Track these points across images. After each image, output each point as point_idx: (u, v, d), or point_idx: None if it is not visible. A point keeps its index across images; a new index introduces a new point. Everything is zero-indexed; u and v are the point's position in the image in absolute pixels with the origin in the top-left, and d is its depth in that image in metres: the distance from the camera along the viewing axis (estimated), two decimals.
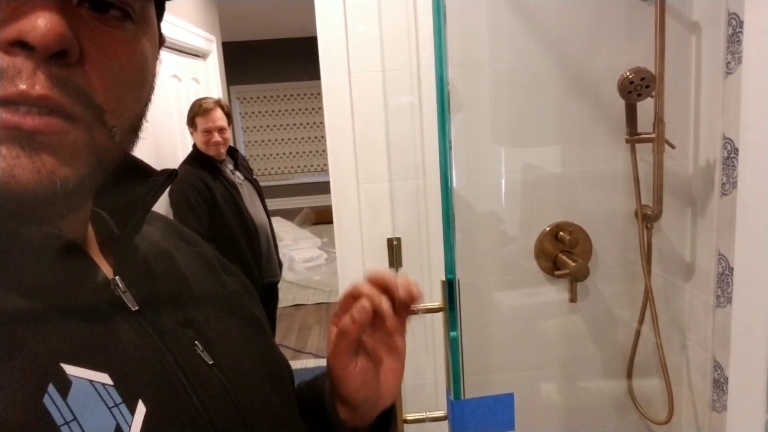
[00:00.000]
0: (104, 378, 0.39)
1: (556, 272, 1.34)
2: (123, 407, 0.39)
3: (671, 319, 1.40)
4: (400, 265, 1.42)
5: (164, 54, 2.55)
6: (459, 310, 0.65)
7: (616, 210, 1.39)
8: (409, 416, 0.85)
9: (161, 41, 0.49)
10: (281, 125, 7.55)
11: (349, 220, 1.37)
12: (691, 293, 1.36)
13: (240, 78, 7.17)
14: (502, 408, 0.61)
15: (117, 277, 0.44)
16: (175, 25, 2.60)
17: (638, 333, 1.39)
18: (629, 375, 1.42)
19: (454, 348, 0.63)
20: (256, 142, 7.61)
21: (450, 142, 0.61)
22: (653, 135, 1.28)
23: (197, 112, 2.32)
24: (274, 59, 7.08)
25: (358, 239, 1.35)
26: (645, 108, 1.28)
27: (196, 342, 0.48)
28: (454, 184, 1.37)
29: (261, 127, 7.61)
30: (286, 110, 7.47)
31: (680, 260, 1.39)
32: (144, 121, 0.44)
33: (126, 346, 0.42)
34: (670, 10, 1.30)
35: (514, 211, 1.41)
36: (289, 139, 7.59)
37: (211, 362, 0.47)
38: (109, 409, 0.38)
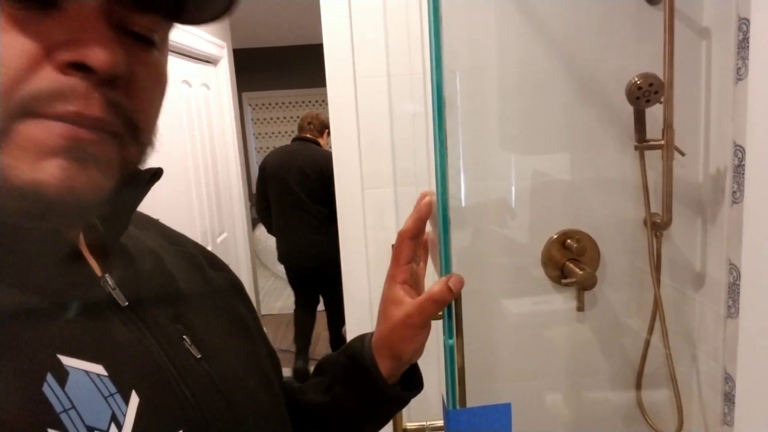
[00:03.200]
0: (99, 369, 0.41)
1: (563, 280, 1.32)
2: (118, 397, 0.41)
3: (681, 329, 1.37)
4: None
5: (175, 59, 2.57)
6: (456, 317, 0.64)
7: (625, 218, 1.37)
8: (410, 425, 0.83)
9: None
10: (293, 132, 7.59)
11: (353, 226, 1.36)
12: (702, 303, 1.33)
13: (252, 84, 7.22)
14: (500, 418, 0.60)
15: (106, 275, 0.46)
16: (186, 31, 2.61)
17: (647, 343, 1.36)
18: (638, 386, 1.39)
19: (450, 356, 0.62)
20: (268, 148, 7.65)
21: (446, 148, 0.60)
22: (662, 142, 1.26)
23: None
24: (286, 66, 7.12)
25: (363, 245, 1.34)
26: (654, 114, 1.26)
27: (184, 336, 0.50)
28: (463, 191, 1.36)
29: (273, 133, 7.65)
30: (298, 117, 7.52)
31: (690, 269, 1.36)
32: (156, 136, 0.47)
33: (118, 339, 0.44)
34: (679, 15, 1.28)
35: (522, 217, 1.39)
36: None
37: (199, 356, 0.49)
38: (105, 398, 0.40)
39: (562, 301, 1.39)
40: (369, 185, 1.37)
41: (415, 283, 0.66)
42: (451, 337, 0.59)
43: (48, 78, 0.37)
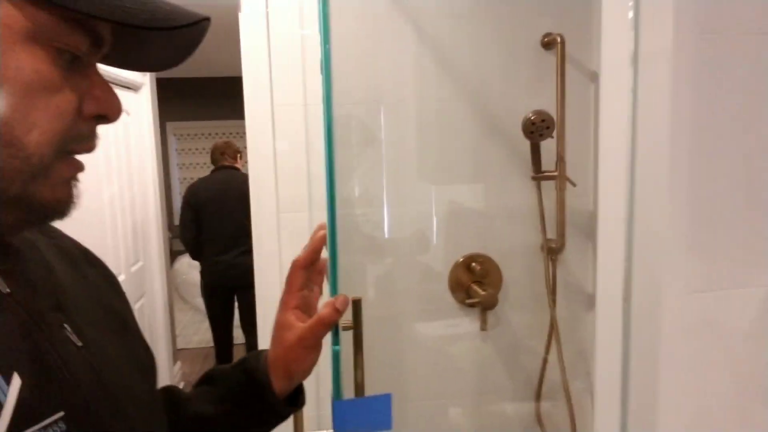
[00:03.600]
0: None
1: (467, 300, 1.40)
2: None
3: (575, 347, 1.47)
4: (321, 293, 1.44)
5: None
6: (356, 336, 0.69)
7: (526, 243, 1.47)
8: None
9: None
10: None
11: (268, 248, 1.38)
12: (593, 323, 1.44)
13: (177, 114, 7.11)
14: (381, 408, 0.64)
15: None
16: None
17: (545, 361, 1.45)
18: (537, 399, 1.48)
19: (335, 359, 0.67)
20: (192, 178, 7.49)
21: (334, 175, 0.66)
22: (555, 173, 1.37)
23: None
24: (211, 97, 7.07)
25: (277, 266, 1.36)
26: (551, 148, 1.38)
27: (65, 324, 0.51)
28: (386, 221, 1.42)
29: (197, 164, 7.52)
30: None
31: (583, 291, 1.47)
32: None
33: (0, 324, 0.45)
34: (570, 60, 1.42)
35: (437, 244, 1.46)
36: None
37: (80, 344, 0.51)
38: None
39: (468, 322, 1.46)
40: (284, 209, 1.40)
41: (306, 308, 0.72)
42: (336, 344, 0.64)
43: (82, 126, 0.48)
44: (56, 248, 0.60)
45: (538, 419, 1.47)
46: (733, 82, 0.66)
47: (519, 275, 1.47)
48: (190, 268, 5.39)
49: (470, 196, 1.47)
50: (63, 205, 0.49)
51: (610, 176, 0.84)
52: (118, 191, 2.83)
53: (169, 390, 0.73)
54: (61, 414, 0.45)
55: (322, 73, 0.64)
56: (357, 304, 0.83)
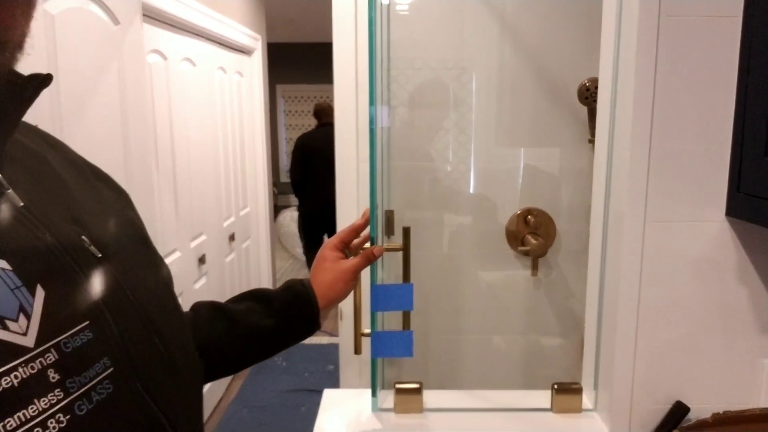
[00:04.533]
0: (3, 264, 0.42)
1: (519, 248, 1.57)
2: (24, 290, 0.42)
3: None
4: (392, 233, 1.67)
5: (212, 48, 2.87)
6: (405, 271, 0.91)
7: (579, 202, 1.61)
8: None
9: None
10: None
11: (349, 189, 1.63)
12: None
13: (285, 77, 7.54)
14: (405, 293, 0.86)
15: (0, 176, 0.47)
16: (223, 23, 2.91)
17: None
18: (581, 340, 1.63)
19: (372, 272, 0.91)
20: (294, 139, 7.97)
21: (375, 130, 0.88)
22: None
23: None
24: (318, 62, 7.43)
25: (355, 208, 1.60)
26: None
27: (83, 237, 0.51)
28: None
29: (303, 126, 7.96)
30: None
31: None
32: (28, 38, 0.47)
33: (18, 236, 0.45)
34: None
35: (495, 195, 1.64)
36: None
37: (99, 255, 0.51)
38: (12, 290, 0.42)
39: (521, 268, 1.63)
40: (363, 159, 1.64)
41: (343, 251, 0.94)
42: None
43: None
44: (66, 161, 0.59)
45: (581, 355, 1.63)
46: (691, 56, 0.78)
47: (571, 229, 1.62)
48: (291, 221, 5.83)
49: (532, 156, 1.62)
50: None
51: (603, 133, 0.99)
52: (231, 143, 3.20)
53: (219, 306, 0.82)
54: (86, 323, 0.46)
55: (369, 45, 0.84)
56: (406, 231, 1.05)
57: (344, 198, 1.62)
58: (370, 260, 0.91)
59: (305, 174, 4.36)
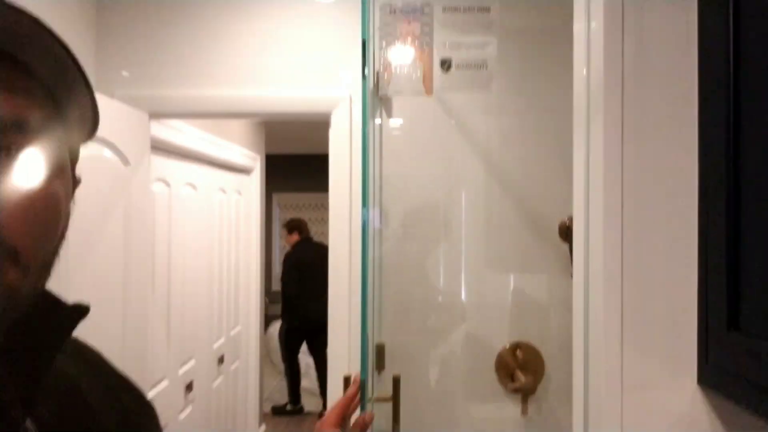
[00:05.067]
0: None
1: (509, 384, 1.58)
2: None
3: None
4: (383, 367, 1.69)
5: (214, 171, 3.00)
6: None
7: (568, 335, 1.65)
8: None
9: (75, 183, 0.50)
10: (315, 233, 8.01)
11: (340, 294, 1.68)
12: None
13: (281, 186, 7.77)
14: None
15: (28, 421, 0.44)
16: (225, 148, 3.07)
17: None
18: None
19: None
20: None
21: (366, 262, 0.93)
22: None
23: None
24: (311, 172, 7.70)
25: (347, 309, 1.65)
26: None
27: None
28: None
29: None
30: (322, 218, 7.97)
31: None
32: (57, 257, 0.45)
33: None
34: None
35: (484, 326, 1.68)
36: None
37: None
38: None
39: (510, 406, 1.64)
40: (356, 274, 1.70)
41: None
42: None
43: None
44: (100, 386, 0.58)
45: None
46: (654, 207, 0.84)
47: (560, 365, 1.64)
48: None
49: (521, 285, 1.68)
50: None
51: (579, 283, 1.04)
52: (227, 263, 3.25)
53: None
54: None
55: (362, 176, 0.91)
56: (396, 381, 1.08)
57: (336, 301, 1.67)
58: (365, 429, 0.93)
59: (300, 289, 4.62)
